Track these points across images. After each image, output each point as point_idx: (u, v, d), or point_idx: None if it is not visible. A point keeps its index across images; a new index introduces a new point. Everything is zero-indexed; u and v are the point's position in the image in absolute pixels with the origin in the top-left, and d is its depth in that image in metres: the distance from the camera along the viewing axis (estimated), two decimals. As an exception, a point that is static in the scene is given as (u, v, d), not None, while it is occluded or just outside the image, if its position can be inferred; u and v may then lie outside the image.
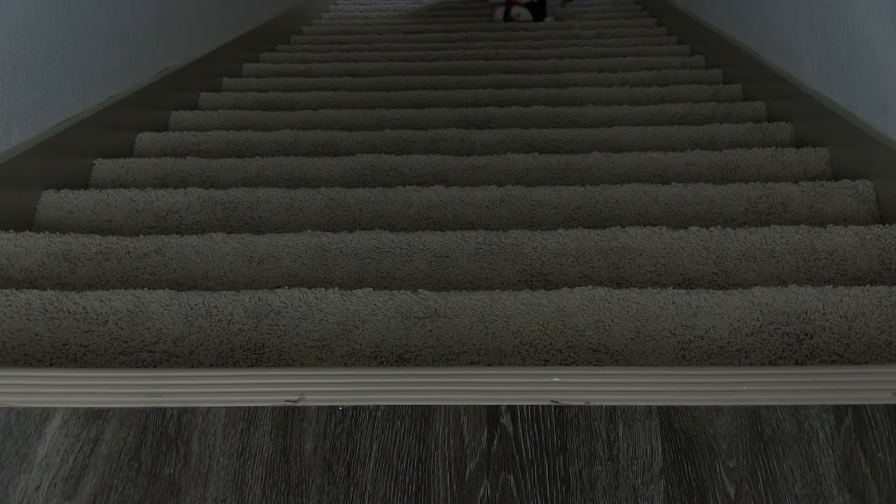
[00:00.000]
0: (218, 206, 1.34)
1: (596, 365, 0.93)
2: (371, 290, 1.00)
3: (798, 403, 0.74)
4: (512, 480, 0.71)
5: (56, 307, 1.00)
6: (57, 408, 0.77)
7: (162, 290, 1.01)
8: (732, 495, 0.69)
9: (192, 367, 0.95)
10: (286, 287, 1.02)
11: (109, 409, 0.77)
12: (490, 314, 0.97)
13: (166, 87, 1.87)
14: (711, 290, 0.98)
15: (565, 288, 0.99)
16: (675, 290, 0.98)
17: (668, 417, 0.74)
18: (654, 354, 0.94)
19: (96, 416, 0.76)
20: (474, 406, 0.76)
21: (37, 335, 0.98)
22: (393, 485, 0.71)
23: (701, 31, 2.41)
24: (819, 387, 0.76)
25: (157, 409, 0.76)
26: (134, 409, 0.77)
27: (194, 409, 0.76)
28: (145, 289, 1.02)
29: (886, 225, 1.15)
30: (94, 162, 1.54)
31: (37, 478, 0.72)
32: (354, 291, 1.00)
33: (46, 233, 1.19)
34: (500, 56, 2.58)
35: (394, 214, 1.33)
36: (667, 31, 2.87)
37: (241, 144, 1.71)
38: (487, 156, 1.53)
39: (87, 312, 0.99)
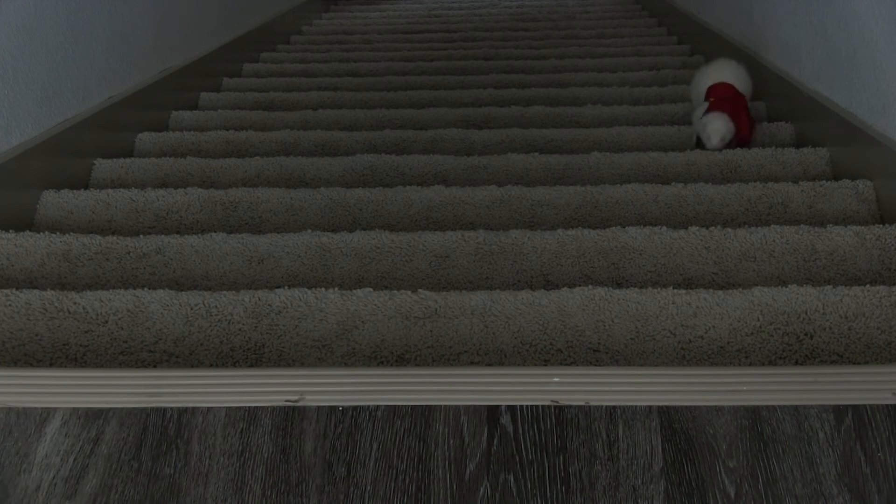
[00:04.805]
0: (218, 206, 1.34)
1: (596, 365, 0.93)
2: (371, 290, 1.00)
3: (798, 403, 0.74)
4: (512, 480, 0.71)
5: (56, 307, 1.00)
6: (57, 408, 0.77)
7: (162, 290, 1.01)
8: (732, 495, 0.69)
9: (192, 367, 0.95)
10: (286, 287, 1.02)
11: (109, 409, 0.77)
12: (490, 314, 0.97)
13: (166, 87, 1.87)
14: (711, 290, 0.98)
15: (565, 288, 0.99)
16: (675, 290, 0.98)
17: (668, 417, 0.74)
18: (654, 354, 0.94)
19: (96, 416, 0.76)
20: (474, 406, 0.76)
21: (37, 335, 0.98)
22: (393, 485, 0.71)
23: (701, 31, 2.41)
24: (819, 387, 0.76)
25: (157, 409, 0.76)
26: (134, 409, 0.77)
27: (194, 409, 0.76)
28: (145, 289, 1.02)
29: (886, 225, 1.15)
30: (94, 162, 1.54)
31: (37, 478, 0.72)
32: (354, 291, 1.00)
33: (46, 233, 1.19)
34: (500, 56, 2.58)
35: (394, 214, 1.33)
36: (667, 31, 2.87)
37: (241, 144, 1.71)
38: (487, 156, 1.53)
39: (87, 312, 0.99)
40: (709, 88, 1.57)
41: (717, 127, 1.47)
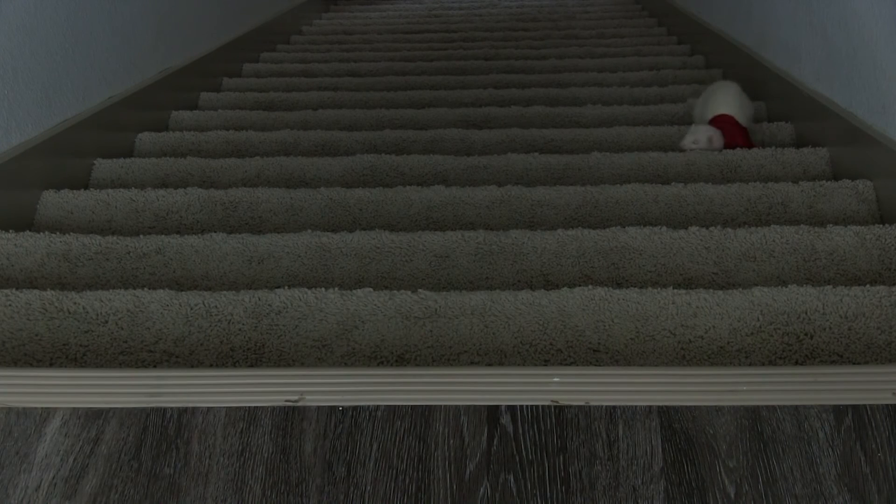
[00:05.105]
0: (218, 206, 1.34)
1: (596, 365, 0.93)
2: (371, 290, 1.00)
3: (798, 403, 0.74)
4: (512, 480, 0.71)
5: (56, 307, 1.00)
6: (57, 408, 0.77)
7: (162, 290, 1.01)
8: (732, 495, 0.69)
9: (192, 367, 0.95)
10: (286, 287, 1.02)
11: (109, 409, 0.77)
12: (490, 314, 0.97)
13: (166, 87, 1.87)
14: (711, 290, 0.98)
15: (565, 288, 0.99)
16: (675, 290, 0.98)
17: (668, 417, 0.74)
18: (654, 354, 0.94)
19: (96, 416, 0.76)
20: (474, 406, 0.76)
21: (37, 335, 0.98)
22: (393, 485, 0.71)
23: (701, 31, 2.41)
24: (819, 387, 0.76)
25: (157, 409, 0.76)
26: (134, 409, 0.77)
27: (194, 409, 0.76)
28: (145, 289, 1.02)
29: (886, 225, 1.15)
30: (94, 162, 1.54)
31: (37, 478, 0.72)
32: (354, 291, 1.00)
33: (46, 233, 1.19)
34: (500, 56, 2.58)
35: (394, 214, 1.33)
36: (667, 31, 2.87)
37: (241, 144, 1.71)
38: (487, 156, 1.54)
39: (87, 312, 0.99)
40: (711, 120, 1.58)
41: (696, 129, 1.53)
